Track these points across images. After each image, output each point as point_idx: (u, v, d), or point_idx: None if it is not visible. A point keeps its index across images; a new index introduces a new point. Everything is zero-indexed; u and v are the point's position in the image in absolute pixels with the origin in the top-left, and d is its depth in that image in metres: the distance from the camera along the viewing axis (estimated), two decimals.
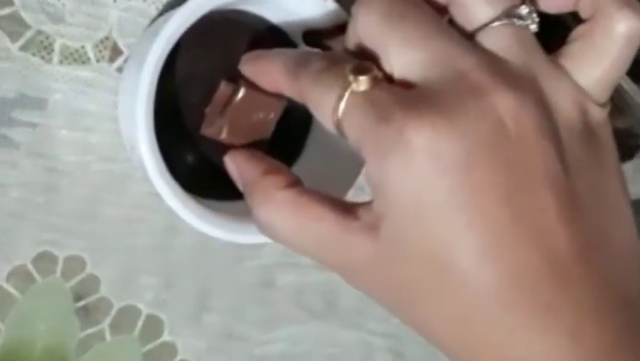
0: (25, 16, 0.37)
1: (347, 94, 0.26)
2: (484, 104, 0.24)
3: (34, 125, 0.37)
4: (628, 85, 0.35)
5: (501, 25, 0.26)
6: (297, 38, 0.38)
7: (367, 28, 0.27)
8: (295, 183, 0.29)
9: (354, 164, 0.37)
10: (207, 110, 0.35)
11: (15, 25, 0.36)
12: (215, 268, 0.42)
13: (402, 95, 0.25)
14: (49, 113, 0.38)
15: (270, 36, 0.38)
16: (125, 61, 0.38)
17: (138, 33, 0.38)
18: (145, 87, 0.32)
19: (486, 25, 0.26)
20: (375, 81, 0.26)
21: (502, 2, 0.26)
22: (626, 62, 0.27)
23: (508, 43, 0.26)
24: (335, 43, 0.37)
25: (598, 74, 0.27)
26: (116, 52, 0.38)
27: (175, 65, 0.35)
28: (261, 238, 0.36)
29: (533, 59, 0.26)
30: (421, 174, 0.24)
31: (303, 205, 0.27)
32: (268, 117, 0.34)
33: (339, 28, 0.36)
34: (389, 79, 0.26)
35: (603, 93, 0.27)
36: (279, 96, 0.32)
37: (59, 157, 0.38)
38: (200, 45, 0.36)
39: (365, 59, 0.27)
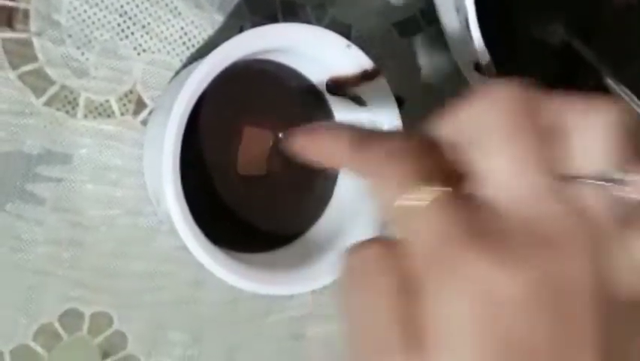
0: (50, 71, 0.37)
1: (414, 196, 0.24)
2: (550, 256, 0.23)
3: (59, 181, 0.37)
4: None
5: (602, 184, 0.24)
6: (322, 86, 0.38)
7: (479, 122, 0.24)
8: None
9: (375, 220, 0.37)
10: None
11: (39, 81, 0.36)
12: (244, 322, 0.41)
13: (471, 219, 0.24)
14: (74, 168, 0.37)
15: (294, 84, 0.38)
16: (150, 114, 0.38)
17: (162, 86, 0.38)
18: (171, 140, 0.32)
19: (588, 177, 0.24)
20: (446, 194, 0.24)
21: (622, 163, 0.24)
22: None
23: (601, 204, 0.24)
24: (359, 90, 0.37)
25: None
26: (140, 105, 0.38)
27: (200, 115, 0.35)
28: (289, 290, 0.36)
29: (617, 226, 0.24)
30: (472, 308, 0.23)
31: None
32: (266, 147, 0.37)
33: (364, 75, 0.36)
34: (464, 175, 0.25)
35: None
36: (274, 132, 0.36)
37: (84, 212, 0.38)
38: (224, 94, 0.36)
39: (452, 148, 0.25)
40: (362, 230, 0.37)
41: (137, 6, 0.38)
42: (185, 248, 0.33)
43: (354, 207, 0.38)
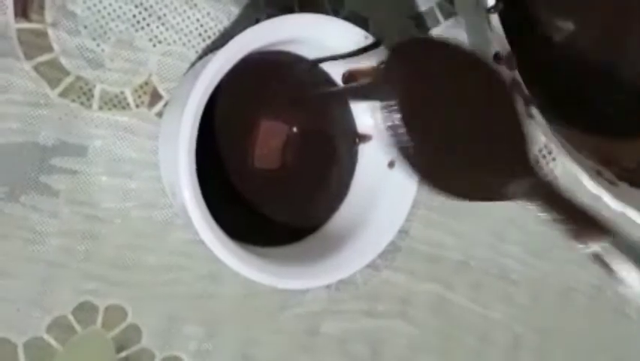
0: (65, 62, 0.36)
1: None
2: None
3: (73, 173, 0.37)
4: None
5: None
6: (338, 77, 0.38)
7: None
8: None
9: (397, 208, 0.36)
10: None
11: (54, 72, 0.36)
12: (258, 316, 0.41)
13: None
14: (89, 160, 0.37)
15: (310, 75, 0.37)
16: (165, 106, 0.38)
17: (178, 77, 0.38)
18: (186, 133, 0.31)
19: None
20: None
21: None
22: None
23: None
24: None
25: None
26: (155, 97, 0.38)
27: (215, 107, 0.35)
28: (305, 283, 0.35)
29: None
30: None
31: None
32: (282, 139, 0.37)
33: (380, 67, 0.36)
34: None
35: None
36: (289, 124, 0.36)
37: (99, 204, 0.38)
38: (240, 86, 0.35)
39: None
40: (380, 224, 0.36)
41: None
42: (200, 241, 0.32)
43: (372, 200, 0.37)
